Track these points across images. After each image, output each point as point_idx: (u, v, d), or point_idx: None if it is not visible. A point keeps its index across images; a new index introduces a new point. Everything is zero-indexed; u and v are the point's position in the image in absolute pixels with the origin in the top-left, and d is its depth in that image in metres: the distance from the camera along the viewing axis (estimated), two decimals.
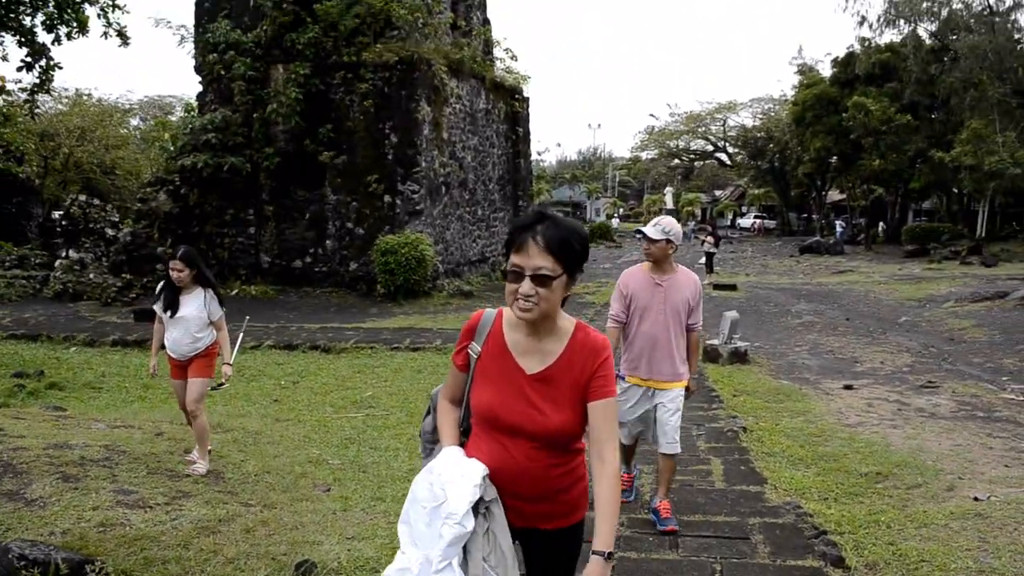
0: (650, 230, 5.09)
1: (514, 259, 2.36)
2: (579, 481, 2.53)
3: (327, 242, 19.89)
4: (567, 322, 2.52)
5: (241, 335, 7.96)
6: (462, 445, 2.56)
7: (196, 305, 6.05)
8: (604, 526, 2.33)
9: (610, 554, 2.31)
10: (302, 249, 20.10)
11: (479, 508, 2.35)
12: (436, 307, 17.75)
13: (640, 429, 5.35)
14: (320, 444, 7.49)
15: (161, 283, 6.22)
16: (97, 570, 4.02)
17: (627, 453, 5.62)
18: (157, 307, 6.21)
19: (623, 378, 5.22)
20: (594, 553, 2.30)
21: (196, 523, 4.84)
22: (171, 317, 6.04)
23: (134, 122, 48.52)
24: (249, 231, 20.25)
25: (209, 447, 6.28)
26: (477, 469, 2.39)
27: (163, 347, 6.33)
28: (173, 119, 46.10)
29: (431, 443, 2.73)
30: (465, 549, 2.31)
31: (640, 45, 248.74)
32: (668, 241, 5.06)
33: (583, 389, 2.44)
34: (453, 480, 2.33)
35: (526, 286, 2.32)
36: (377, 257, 17.93)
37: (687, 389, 5.29)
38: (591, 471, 2.47)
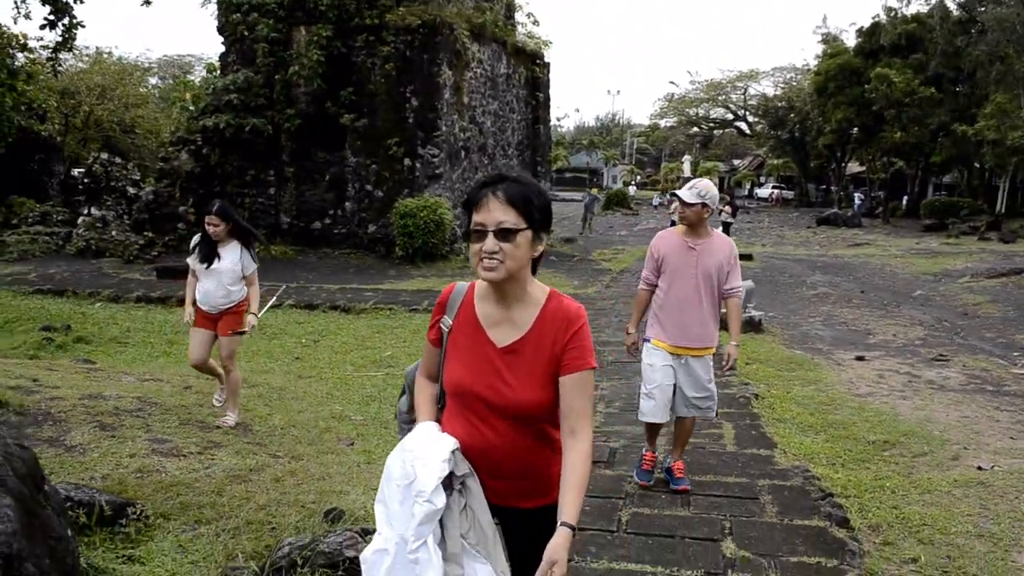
0: (685, 193, 4.96)
1: (476, 217, 2.28)
2: (557, 457, 2.38)
3: (346, 204, 20.06)
4: (539, 290, 2.41)
5: (273, 300, 8.15)
6: (438, 421, 2.49)
7: (231, 258, 6.22)
8: (572, 499, 2.24)
9: (575, 528, 2.24)
10: (322, 210, 20.29)
11: (453, 484, 2.27)
12: (454, 270, 17.93)
13: (668, 396, 5.11)
14: (342, 401, 7.72)
15: (197, 236, 6.37)
16: (138, 513, 4.24)
17: (653, 430, 5.42)
18: (191, 260, 6.35)
19: (648, 340, 5.17)
20: (561, 524, 2.22)
21: (228, 471, 5.06)
22: (207, 269, 6.20)
23: (152, 81, 48.65)
24: (269, 192, 20.44)
25: (220, 396, 6.53)
26: (446, 444, 2.30)
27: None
28: (191, 79, 46.21)
29: (407, 423, 2.65)
30: (443, 526, 2.23)
31: (662, 11, 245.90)
32: (704, 205, 4.92)
33: (556, 362, 2.33)
34: (423, 456, 2.25)
35: (490, 242, 2.24)
36: (396, 220, 18.11)
37: (729, 356, 5.10)
38: (563, 447, 2.34)
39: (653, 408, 5.11)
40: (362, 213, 19.92)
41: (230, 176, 20.03)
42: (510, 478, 2.38)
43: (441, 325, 2.49)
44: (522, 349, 2.35)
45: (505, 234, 2.24)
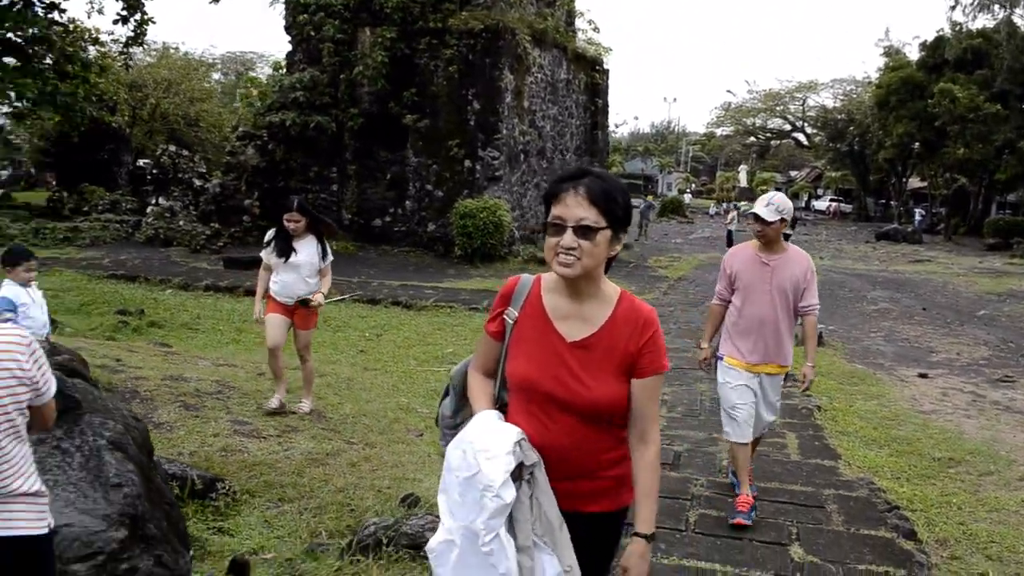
0: (763, 211, 4.74)
1: (555, 211, 2.22)
2: (624, 460, 2.36)
3: (407, 203, 20.36)
4: (611, 288, 2.36)
5: (340, 296, 8.37)
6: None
7: (309, 251, 6.39)
8: (645, 508, 2.27)
9: (651, 536, 2.28)
10: (382, 208, 20.62)
11: (523, 474, 2.18)
12: (512, 272, 17.97)
13: (750, 413, 4.88)
14: (408, 393, 7.90)
15: (271, 231, 6.56)
16: (227, 488, 4.45)
17: (741, 458, 4.98)
18: (265, 254, 6.50)
19: (722, 359, 5.04)
20: (635, 535, 2.26)
21: (306, 455, 5.27)
22: (284, 263, 6.38)
23: (216, 76, 49.76)
24: (332, 188, 20.84)
25: (281, 397, 6.50)
26: (510, 435, 2.20)
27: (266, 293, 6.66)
28: (254, 75, 47.16)
29: (451, 429, 2.57)
30: (513, 517, 2.15)
31: (721, 19, 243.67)
32: (783, 220, 4.77)
33: (629, 363, 2.29)
34: (486, 448, 2.16)
35: (568, 238, 2.18)
36: (456, 220, 18.32)
37: (805, 377, 5.02)
38: (632, 452, 2.35)
39: (737, 428, 4.89)
40: (422, 212, 20.20)
41: (294, 172, 20.47)
42: (574, 477, 2.31)
43: (505, 317, 2.41)
44: (594, 345, 2.30)
45: (584, 231, 2.18)
